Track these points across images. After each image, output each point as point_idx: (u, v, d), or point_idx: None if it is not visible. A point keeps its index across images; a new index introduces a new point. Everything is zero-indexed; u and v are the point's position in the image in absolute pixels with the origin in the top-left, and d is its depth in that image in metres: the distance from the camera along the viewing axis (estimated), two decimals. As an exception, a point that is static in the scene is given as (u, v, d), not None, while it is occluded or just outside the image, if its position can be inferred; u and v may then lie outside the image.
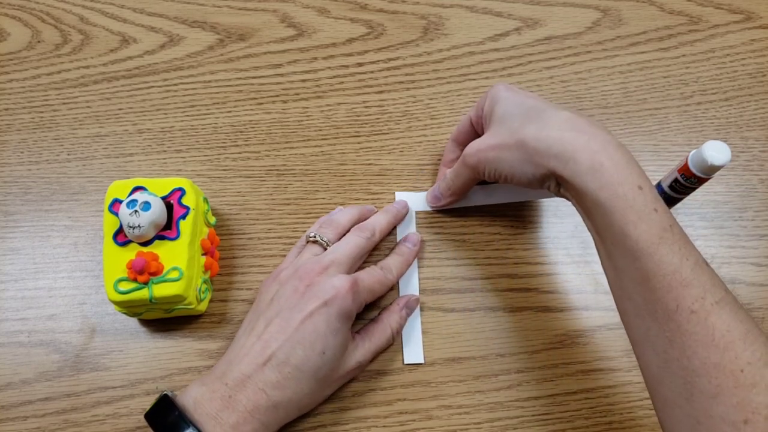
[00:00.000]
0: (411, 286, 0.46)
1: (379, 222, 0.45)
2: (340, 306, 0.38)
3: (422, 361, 0.44)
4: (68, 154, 0.50)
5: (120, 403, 0.42)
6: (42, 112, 0.52)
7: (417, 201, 0.49)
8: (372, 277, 0.42)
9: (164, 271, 0.40)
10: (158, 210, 0.40)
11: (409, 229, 0.48)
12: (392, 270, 0.44)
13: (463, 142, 0.45)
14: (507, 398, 0.43)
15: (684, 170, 0.43)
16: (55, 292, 0.45)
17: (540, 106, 0.38)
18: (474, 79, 0.54)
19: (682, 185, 0.44)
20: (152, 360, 0.44)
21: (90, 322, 0.45)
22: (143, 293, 0.39)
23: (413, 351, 0.44)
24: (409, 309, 0.44)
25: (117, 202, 0.41)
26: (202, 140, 0.51)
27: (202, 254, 0.43)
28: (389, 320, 0.43)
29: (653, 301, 0.32)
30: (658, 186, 0.47)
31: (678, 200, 0.47)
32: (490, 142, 0.40)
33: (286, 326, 0.37)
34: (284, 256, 0.47)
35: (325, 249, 0.42)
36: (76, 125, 0.51)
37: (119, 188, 0.42)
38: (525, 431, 0.42)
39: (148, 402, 0.42)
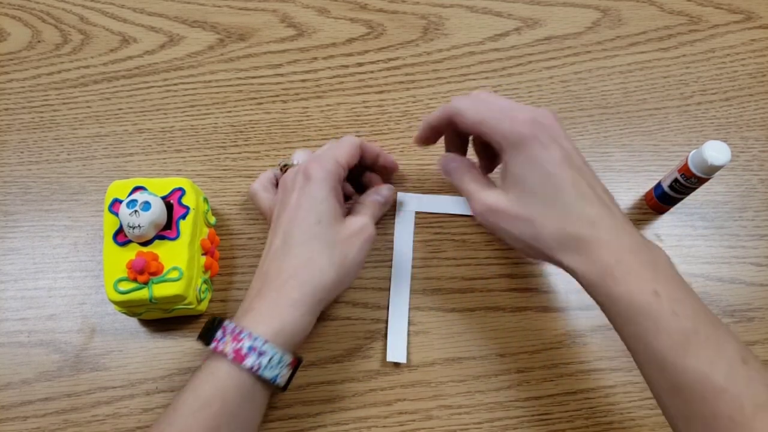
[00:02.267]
0: (403, 282, 0.46)
1: (342, 151, 0.43)
2: (314, 179, 0.39)
3: (404, 361, 0.43)
4: (68, 154, 0.50)
5: (120, 403, 0.42)
6: (42, 112, 0.52)
7: (417, 202, 0.49)
8: (337, 144, 0.43)
9: (164, 271, 0.40)
10: (158, 210, 0.40)
11: (408, 229, 0.48)
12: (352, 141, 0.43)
13: (438, 131, 0.43)
14: (507, 398, 0.43)
15: (684, 170, 0.43)
16: (55, 292, 0.45)
17: (565, 188, 0.35)
18: (474, 79, 0.54)
19: (682, 185, 0.44)
20: (152, 360, 0.44)
21: (90, 322, 0.45)
22: (143, 293, 0.39)
23: (397, 349, 0.44)
24: (385, 193, 0.45)
25: (117, 202, 0.41)
26: (202, 140, 0.51)
27: (202, 254, 0.43)
28: (377, 190, 0.45)
29: (689, 410, 0.31)
30: (658, 186, 0.47)
31: (678, 200, 0.47)
32: (508, 210, 0.37)
33: (291, 210, 0.39)
34: (284, 256, 0.47)
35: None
36: (76, 125, 0.51)
37: (119, 188, 0.42)
38: (525, 431, 0.42)
39: (148, 402, 0.42)
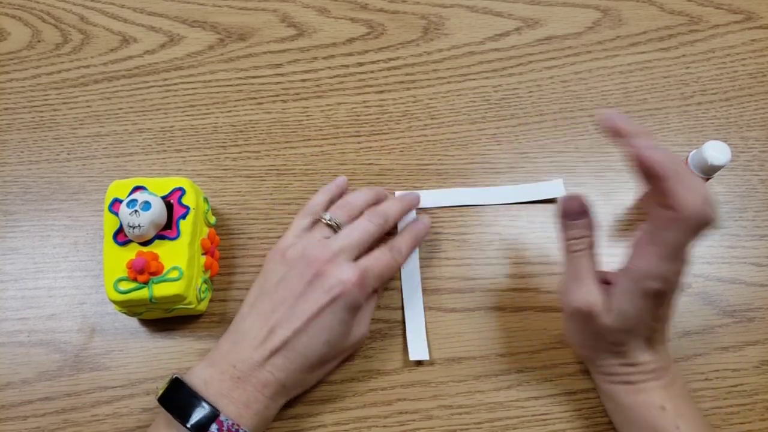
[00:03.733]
0: (414, 281, 0.46)
1: (392, 209, 0.44)
2: (347, 301, 0.38)
3: (427, 358, 0.43)
4: (68, 154, 0.50)
5: (120, 402, 0.42)
6: (42, 111, 0.52)
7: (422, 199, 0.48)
8: (380, 262, 0.40)
9: (164, 271, 0.40)
10: (158, 210, 0.40)
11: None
12: (401, 251, 0.42)
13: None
14: (507, 398, 0.43)
15: None
16: (55, 292, 0.45)
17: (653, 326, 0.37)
18: (474, 79, 0.54)
19: None
20: (152, 360, 0.44)
21: (90, 322, 0.45)
22: (143, 293, 0.39)
23: (418, 347, 0.44)
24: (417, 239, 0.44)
25: (117, 201, 0.41)
26: (202, 140, 0.51)
27: (202, 254, 0.43)
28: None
29: None
30: None
31: None
32: (599, 321, 0.37)
33: (293, 316, 0.37)
34: (284, 255, 0.47)
35: (336, 232, 0.42)
36: (76, 125, 0.51)
37: (119, 188, 0.42)
38: (525, 431, 0.42)
39: (148, 402, 0.42)
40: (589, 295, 0.36)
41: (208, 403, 0.35)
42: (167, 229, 0.41)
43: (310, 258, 0.39)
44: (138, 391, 0.43)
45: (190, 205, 0.42)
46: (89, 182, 0.49)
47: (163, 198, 0.41)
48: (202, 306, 0.43)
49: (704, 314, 0.46)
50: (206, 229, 0.44)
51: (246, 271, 0.46)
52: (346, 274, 0.38)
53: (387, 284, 0.46)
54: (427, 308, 0.46)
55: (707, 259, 0.47)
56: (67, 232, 0.47)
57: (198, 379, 0.37)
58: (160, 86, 0.53)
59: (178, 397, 0.36)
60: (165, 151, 0.50)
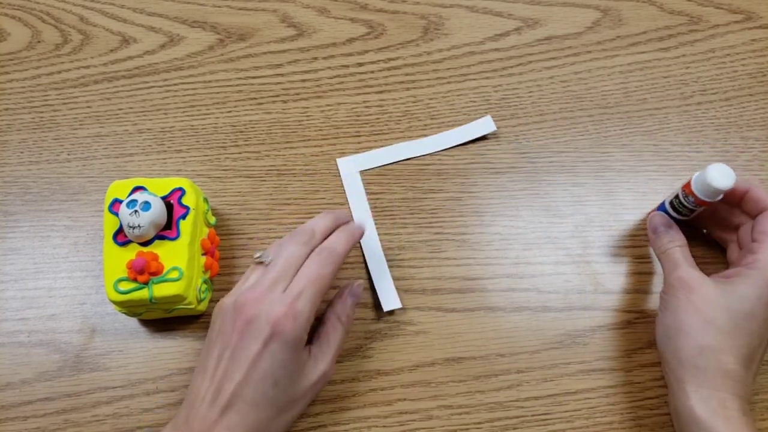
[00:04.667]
0: (373, 245, 0.47)
1: (318, 224, 0.41)
2: (281, 340, 0.36)
3: (400, 306, 0.44)
4: (68, 154, 0.50)
5: (120, 403, 0.42)
6: (42, 112, 0.52)
7: (357, 162, 0.50)
8: (310, 275, 0.38)
9: (164, 271, 0.40)
10: (158, 210, 0.40)
11: (358, 191, 0.49)
12: (336, 249, 0.39)
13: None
14: (507, 398, 0.43)
15: (686, 188, 0.42)
16: (55, 292, 0.45)
17: (753, 336, 0.38)
18: (474, 79, 0.54)
19: (681, 203, 0.43)
20: (152, 360, 0.44)
21: (90, 322, 0.45)
22: (143, 293, 0.39)
23: (389, 298, 0.45)
24: (354, 296, 0.42)
25: (117, 202, 0.41)
26: (202, 140, 0.51)
27: (202, 254, 0.43)
28: (336, 315, 0.41)
29: None
30: (662, 204, 0.45)
31: (679, 222, 0.45)
32: (706, 294, 0.39)
33: (234, 369, 0.36)
34: (284, 256, 0.47)
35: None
36: (76, 125, 0.51)
37: (119, 188, 0.42)
38: (525, 431, 0.42)
39: (148, 402, 0.42)
40: (691, 269, 0.40)
41: None
42: (167, 230, 0.41)
43: (240, 303, 0.37)
44: (138, 391, 0.43)
45: (190, 206, 0.42)
46: (89, 183, 0.49)
47: (163, 198, 0.41)
48: (202, 306, 0.43)
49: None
50: (206, 230, 0.44)
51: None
52: (272, 312, 0.36)
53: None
54: (427, 308, 0.46)
55: (707, 259, 0.47)
56: (67, 233, 0.47)
57: None
58: (160, 87, 0.53)
59: None
60: (165, 151, 0.50)
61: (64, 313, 0.45)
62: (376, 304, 0.45)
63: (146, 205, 0.39)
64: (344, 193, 0.49)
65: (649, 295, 0.46)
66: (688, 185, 0.42)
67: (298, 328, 0.36)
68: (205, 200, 0.45)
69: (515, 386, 0.43)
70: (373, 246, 0.47)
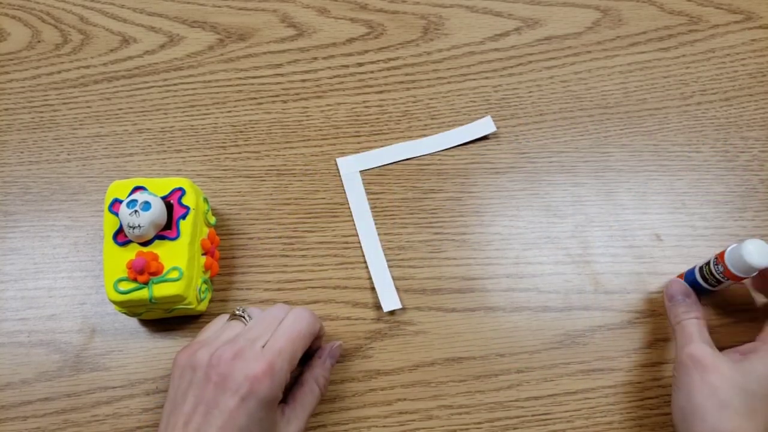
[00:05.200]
0: (372, 241, 0.47)
1: (317, 328, 0.40)
2: (258, 398, 0.35)
3: (400, 306, 0.44)
4: (68, 154, 0.50)
5: (120, 403, 0.42)
6: (42, 112, 0.52)
7: (357, 162, 0.50)
8: (291, 334, 0.37)
9: (164, 271, 0.40)
10: (158, 210, 0.40)
11: (358, 191, 0.49)
12: (313, 314, 0.40)
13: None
14: (507, 398, 0.43)
15: (720, 258, 0.40)
16: (55, 292, 0.45)
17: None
18: (474, 79, 0.54)
19: (710, 271, 0.41)
20: (152, 360, 0.44)
21: (90, 322, 0.45)
22: (143, 293, 0.39)
23: (389, 298, 0.45)
24: (333, 358, 0.42)
25: (117, 202, 0.41)
26: (202, 140, 0.51)
27: (202, 254, 0.43)
28: (314, 377, 0.40)
29: None
30: (691, 271, 0.44)
31: (703, 290, 0.43)
32: (719, 369, 0.37)
33: (209, 423, 0.34)
34: (285, 255, 0.47)
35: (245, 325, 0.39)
36: (76, 125, 0.51)
37: (119, 188, 0.42)
38: (525, 431, 0.42)
39: (148, 402, 0.42)
40: (704, 346, 0.38)
41: None
42: (167, 230, 0.41)
43: (215, 359, 0.36)
44: (138, 391, 0.43)
45: (190, 206, 0.42)
46: (89, 182, 0.49)
47: (163, 198, 0.41)
48: (202, 306, 0.43)
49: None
50: (206, 230, 0.44)
51: (246, 271, 0.46)
52: (251, 368, 0.35)
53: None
54: (427, 308, 0.46)
55: (707, 260, 0.47)
56: (67, 233, 0.47)
57: None
58: (160, 86, 0.53)
59: None
60: (165, 151, 0.50)
61: (64, 313, 0.45)
62: (377, 304, 0.45)
63: (146, 205, 0.39)
64: (344, 192, 0.49)
65: (649, 295, 0.46)
66: (722, 255, 0.40)
67: (275, 387, 0.35)
68: (205, 200, 0.45)
69: (515, 386, 0.43)
70: (373, 246, 0.47)
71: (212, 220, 0.45)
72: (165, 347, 0.44)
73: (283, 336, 0.37)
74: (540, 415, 0.43)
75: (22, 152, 0.50)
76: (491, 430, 0.42)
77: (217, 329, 0.39)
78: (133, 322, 0.45)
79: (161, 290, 0.39)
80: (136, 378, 0.43)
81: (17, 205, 0.48)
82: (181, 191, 0.42)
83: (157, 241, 0.40)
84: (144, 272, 0.39)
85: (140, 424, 0.42)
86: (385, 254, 0.47)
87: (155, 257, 0.40)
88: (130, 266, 0.39)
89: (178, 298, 0.40)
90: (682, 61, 0.56)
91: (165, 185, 0.42)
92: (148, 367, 0.43)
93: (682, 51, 0.56)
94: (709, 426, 0.36)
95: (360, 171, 0.50)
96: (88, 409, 0.42)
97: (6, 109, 0.52)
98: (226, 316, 0.40)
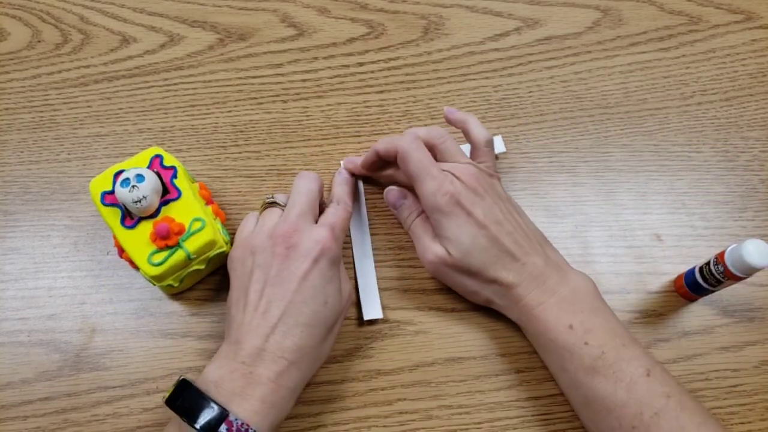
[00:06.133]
0: (364, 247, 0.47)
1: (343, 193, 0.45)
2: (329, 257, 0.39)
3: (381, 316, 0.44)
4: (68, 154, 0.50)
5: (120, 402, 0.42)
6: (42, 111, 0.52)
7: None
8: (339, 215, 0.42)
9: (187, 227, 0.41)
10: (152, 177, 0.41)
11: (360, 205, 0.49)
12: (346, 200, 0.44)
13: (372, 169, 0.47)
14: (507, 398, 0.43)
15: (720, 258, 0.40)
16: (55, 291, 0.45)
17: (490, 246, 0.41)
18: (474, 79, 0.54)
19: (710, 271, 0.42)
20: (152, 360, 0.44)
21: (90, 322, 0.45)
22: (179, 255, 0.40)
23: (371, 307, 0.45)
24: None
25: (107, 194, 0.41)
26: (203, 140, 0.51)
27: (206, 204, 0.44)
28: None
29: (599, 420, 0.37)
30: (691, 270, 0.44)
31: (704, 290, 0.44)
32: (453, 265, 0.42)
33: (283, 291, 0.37)
34: (284, 255, 0.47)
35: (283, 209, 0.42)
36: (76, 125, 0.51)
37: (100, 182, 0.42)
38: (525, 431, 0.42)
39: (149, 402, 0.42)
40: (431, 247, 0.42)
41: (217, 404, 0.34)
42: (166, 194, 0.42)
43: (277, 236, 0.39)
44: (138, 391, 0.43)
45: (174, 165, 0.43)
46: (89, 182, 0.49)
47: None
48: (230, 248, 0.43)
49: (704, 314, 0.46)
50: (196, 184, 0.45)
51: (246, 271, 0.46)
52: (318, 234, 0.39)
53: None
54: (427, 308, 0.46)
55: (707, 259, 0.47)
56: (67, 232, 0.47)
57: (208, 380, 0.36)
58: (160, 86, 0.53)
59: (185, 398, 0.35)
60: (165, 151, 0.50)
61: (64, 313, 0.45)
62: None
63: (139, 177, 0.40)
64: None
65: (649, 295, 0.46)
66: (722, 255, 0.40)
67: (339, 247, 0.40)
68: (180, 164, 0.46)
69: (515, 386, 0.43)
70: (364, 253, 0.47)
71: (192, 178, 0.46)
72: (165, 347, 0.44)
73: (336, 215, 0.41)
74: (540, 415, 0.43)
75: (22, 152, 0.50)
76: (491, 430, 0.42)
77: (256, 222, 0.42)
78: (133, 322, 0.45)
79: (194, 243, 0.40)
80: (136, 378, 0.43)
81: (17, 205, 0.48)
82: (159, 157, 0.43)
83: (163, 208, 0.41)
84: (171, 235, 0.40)
85: (140, 424, 0.42)
86: (385, 254, 0.47)
87: (172, 220, 0.41)
88: (155, 236, 0.40)
89: (212, 244, 0.41)
90: (683, 61, 0.56)
91: (141, 159, 0.43)
92: (148, 367, 0.43)
93: (683, 51, 0.56)
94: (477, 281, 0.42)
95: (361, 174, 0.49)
96: (88, 409, 0.42)
97: (6, 109, 0.52)
98: (256, 213, 0.43)
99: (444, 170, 0.42)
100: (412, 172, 0.42)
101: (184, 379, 0.36)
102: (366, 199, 0.49)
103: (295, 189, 0.42)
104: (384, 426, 0.42)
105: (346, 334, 0.45)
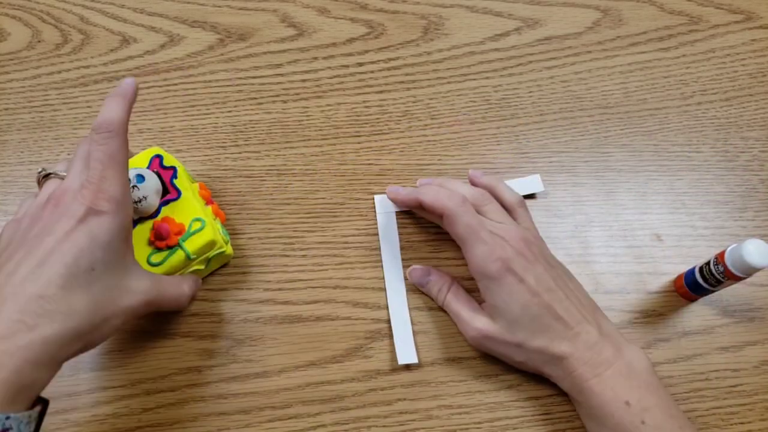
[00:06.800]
0: (398, 284, 0.46)
1: (111, 111, 0.34)
2: (102, 220, 0.32)
3: (416, 361, 0.43)
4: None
5: (120, 403, 0.42)
6: (42, 111, 0.52)
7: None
8: (102, 159, 0.33)
9: (187, 227, 0.41)
10: (152, 178, 0.41)
11: (392, 231, 0.47)
12: (111, 117, 0.34)
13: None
14: (507, 398, 0.43)
15: (720, 258, 0.41)
16: (55, 291, 0.45)
17: (543, 314, 0.39)
18: (474, 79, 0.54)
19: (710, 271, 0.42)
20: (152, 360, 0.44)
21: (90, 322, 0.44)
22: (179, 255, 0.40)
23: (406, 350, 0.43)
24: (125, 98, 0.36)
25: None
26: (203, 140, 0.51)
27: (205, 204, 0.44)
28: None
29: None
30: (691, 270, 0.44)
31: (704, 289, 0.44)
32: (499, 337, 0.41)
33: (38, 254, 0.31)
34: (285, 255, 0.47)
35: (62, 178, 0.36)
36: (76, 125, 0.51)
37: None
38: (525, 431, 0.42)
39: (149, 402, 0.42)
40: (473, 321, 0.42)
41: None
42: (166, 194, 0.42)
43: (45, 202, 0.33)
44: (138, 391, 0.43)
45: (174, 165, 0.43)
46: (89, 182, 0.49)
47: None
48: (230, 249, 0.44)
49: (704, 314, 0.46)
50: (196, 184, 0.45)
51: (246, 271, 0.46)
52: (84, 193, 0.32)
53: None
54: (427, 308, 0.46)
55: (707, 259, 0.47)
56: (67, 232, 0.47)
57: None
58: (160, 86, 0.53)
59: None
60: (165, 151, 0.50)
61: (64, 313, 0.45)
62: (377, 305, 0.45)
63: (139, 178, 0.40)
64: (344, 193, 0.49)
65: (649, 295, 0.46)
66: (722, 255, 0.40)
67: (119, 211, 0.32)
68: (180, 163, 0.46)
69: (515, 386, 0.43)
70: (399, 295, 0.46)
71: (191, 178, 0.46)
72: (165, 347, 0.44)
73: (97, 163, 0.33)
74: (540, 415, 0.43)
75: (22, 152, 0.50)
76: (491, 430, 0.42)
77: (31, 196, 0.36)
78: (133, 322, 0.45)
79: (194, 244, 0.40)
80: (136, 378, 0.43)
81: (17, 205, 0.48)
82: (159, 157, 0.43)
83: (163, 208, 0.41)
84: (170, 235, 0.40)
85: (140, 424, 0.42)
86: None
87: (172, 220, 0.41)
88: (154, 237, 0.40)
89: (212, 244, 0.41)
90: (683, 61, 0.56)
91: (141, 159, 0.43)
92: (148, 367, 0.43)
93: (683, 51, 0.56)
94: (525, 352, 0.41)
95: (389, 203, 0.48)
96: (88, 409, 0.42)
97: (6, 109, 0.52)
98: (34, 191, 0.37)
99: (492, 233, 0.40)
100: (460, 236, 0.41)
101: None
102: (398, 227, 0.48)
103: (75, 154, 0.36)
104: (384, 426, 0.42)
105: (345, 335, 0.45)
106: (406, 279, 0.46)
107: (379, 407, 0.43)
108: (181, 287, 0.40)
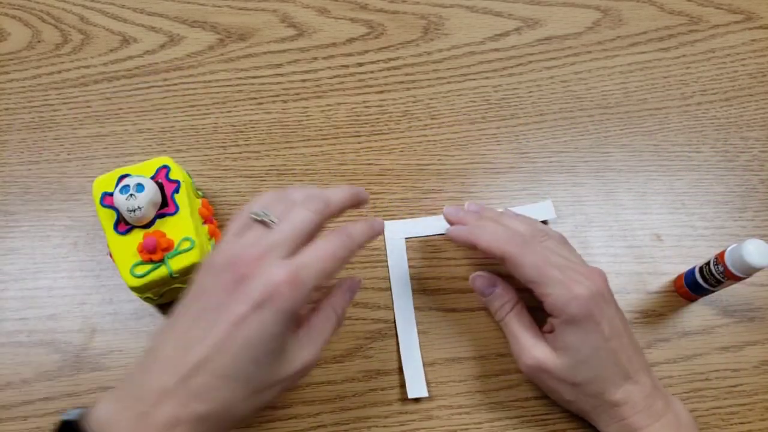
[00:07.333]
0: (408, 316, 0.45)
1: (335, 193, 0.36)
2: (277, 307, 0.30)
3: (426, 395, 0.42)
4: (68, 154, 0.50)
5: (120, 402, 0.42)
6: (42, 111, 0.52)
7: (404, 228, 0.48)
8: (321, 253, 0.32)
9: (176, 245, 0.40)
10: (152, 189, 0.40)
11: (401, 259, 0.47)
12: (353, 235, 0.35)
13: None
14: (507, 398, 0.43)
15: (720, 258, 0.41)
16: (55, 292, 0.45)
17: (610, 361, 0.38)
18: (474, 79, 0.54)
19: (710, 271, 0.42)
20: (152, 360, 0.44)
21: (90, 322, 0.45)
22: (162, 271, 0.40)
23: (415, 384, 0.43)
24: (352, 292, 0.38)
25: (107, 195, 0.41)
26: (202, 140, 0.51)
27: (203, 223, 0.43)
28: (332, 305, 0.36)
29: None
30: (691, 270, 0.45)
31: (704, 290, 0.44)
32: (557, 373, 0.39)
33: (211, 330, 0.30)
34: (284, 256, 0.47)
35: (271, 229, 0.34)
36: (76, 125, 0.51)
37: (104, 182, 0.42)
38: (525, 431, 0.42)
39: (148, 402, 0.42)
40: (532, 349, 0.40)
41: None
42: (164, 207, 0.41)
43: (234, 261, 0.32)
44: (138, 391, 0.43)
45: (179, 179, 0.42)
46: (89, 182, 0.49)
47: (152, 179, 0.41)
48: None
49: (704, 314, 0.46)
50: (199, 200, 0.45)
51: (246, 271, 0.46)
52: (274, 274, 0.31)
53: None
54: (427, 308, 0.45)
55: (707, 259, 0.47)
56: (67, 232, 0.47)
57: (98, 418, 0.30)
58: (160, 86, 0.53)
59: None
60: (165, 151, 0.50)
61: (64, 313, 0.45)
62: (377, 304, 0.45)
63: (140, 187, 0.40)
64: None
65: (649, 295, 0.46)
66: (722, 255, 0.40)
67: (298, 299, 0.31)
68: (189, 174, 0.45)
69: (515, 386, 0.43)
70: (408, 326, 0.45)
71: (199, 193, 0.46)
72: (165, 347, 0.44)
73: (314, 252, 0.33)
74: (540, 415, 0.43)
75: (22, 152, 0.50)
76: (491, 430, 0.42)
77: (230, 237, 0.34)
78: (133, 323, 0.45)
79: (178, 263, 0.40)
80: (136, 378, 0.43)
81: (17, 205, 0.48)
82: (167, 168, 0.43)
83: (158, 221, 0.41)
84: (157, 250, 0.39)
85: (140, 424, 0.42)
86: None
87: (162, 234, 0.40)
88: (142, 249, 0.40)
89: (196, 267, 0.40)
90: (683, 61, 0.56)
91: (149, 167, 0.43)
92: (148, 367, 0.43)
93: (683, 51, 0.56)
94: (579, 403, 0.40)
95: (399, 230, 0.48)
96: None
97: (6, 109, 0.52)
98: (237, 223, 0.34)
99: (563, 269, 0.39)
100: (530, 278, 0.39)
101: (66, 423, 0.30)
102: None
103: (290, 213, 0.34)
104: (384, 426, 0.42)
105: (345, 335, 0.45)
106: (411, 278, 0.46)
107: (379, 407, 0.43)
108: (332, 318, 0.36)
